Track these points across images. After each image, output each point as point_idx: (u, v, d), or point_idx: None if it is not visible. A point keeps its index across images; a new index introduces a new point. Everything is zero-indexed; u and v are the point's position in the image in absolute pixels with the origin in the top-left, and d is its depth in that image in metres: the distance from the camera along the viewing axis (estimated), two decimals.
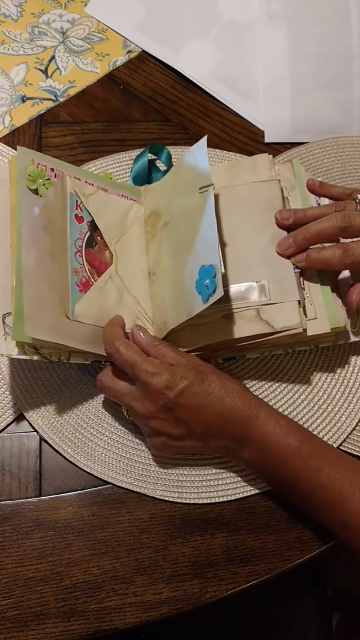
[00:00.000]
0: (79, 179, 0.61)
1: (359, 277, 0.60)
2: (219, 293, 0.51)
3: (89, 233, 0.60)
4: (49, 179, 0.60)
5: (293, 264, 0.58)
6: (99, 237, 0.60)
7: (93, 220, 0.60)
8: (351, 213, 0.56)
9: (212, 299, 0.51)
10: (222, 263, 0.51)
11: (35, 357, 0.55)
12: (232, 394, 0.53)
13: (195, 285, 0.54)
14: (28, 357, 0.55)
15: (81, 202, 0.60)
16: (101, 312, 0.57)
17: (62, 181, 0.60)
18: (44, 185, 0.59)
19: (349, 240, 0.57)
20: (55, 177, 0.61)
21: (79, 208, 0.60)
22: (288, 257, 0.58)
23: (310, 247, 0.58)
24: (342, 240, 0.58)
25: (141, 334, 0.56)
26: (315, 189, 0.62)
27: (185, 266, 0.56)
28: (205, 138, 0.58)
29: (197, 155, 0.58)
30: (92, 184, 0.62)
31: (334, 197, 0.60)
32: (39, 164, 0.60)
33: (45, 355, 0.55)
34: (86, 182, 0.62)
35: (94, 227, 0.60)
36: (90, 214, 0.60)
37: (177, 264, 0.58)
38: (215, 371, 0.54)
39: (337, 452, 0.53)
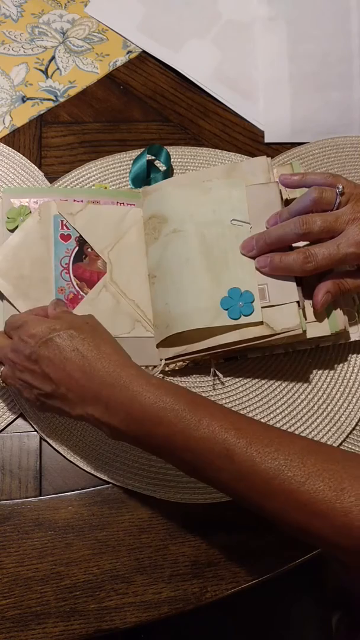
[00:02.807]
0: (66, 200, 0.63)
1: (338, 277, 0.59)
2: (258, 318, 0.56)
3: (77, 248, 0.61)
4: (30, 212, 0.63)
5: (256, 268, 0.58)
6: (89, 250, 0.62)
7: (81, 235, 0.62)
8: (311, 218, 0.55)
9: (247, 320, 0.56)
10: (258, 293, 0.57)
11: None
12: (100, 355, 0.50)
13: (221, 301, 0.57)
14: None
15: (67, 221, 0.62)
16: None
17: (41, 209, 0.62)
18: (23, 221, 0.62)
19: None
20: (38, 207, 0.63)
21: (64, 227, 0.62)
22: (253, 258, 0.59)
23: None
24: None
25: (53, 307, 0.56)
26: (288, 182, 0.61)
27: (203, 278, 0.58)
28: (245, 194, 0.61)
29: (234, 192, 0.61)
30: (81, 200, 0.64)
31: (309, 186, 0.59)
32: (20, 201, 0.63)
33: None
34: (74, 200, 0.63)
35: (83, 241, 0.62)
36: (77, 230, 0.62)
37: (190, 272, 0.59)
38: (95, 333, 0.52)
39: (216, 404, 0.49)
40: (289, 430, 0.60)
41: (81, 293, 0.60)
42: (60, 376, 0.50)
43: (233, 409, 0.60)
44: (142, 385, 0.48)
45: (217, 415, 0.47)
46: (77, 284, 0.60)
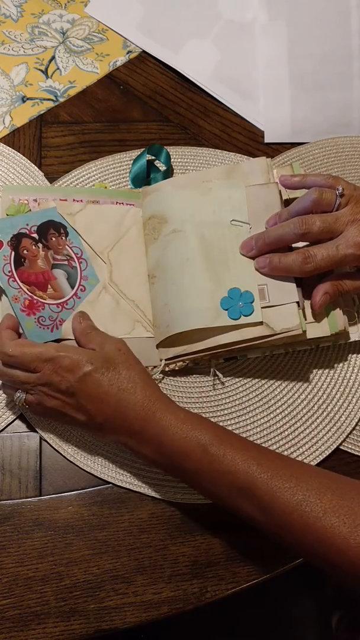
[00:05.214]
0: (65, 200, 0.63)
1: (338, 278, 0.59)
2: (257, 318, 0.56)
3: (13, 253, 0.59)
4: (29, 210, 0.62)
5: (256, 269, 0.58)
6: (25, 251, 0.60)
7: (13, 237, 0.60)
8: (310, 218, 0.56)
9: (247, 320, 0.56)
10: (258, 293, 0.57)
11: None
12: (135, 388, 0.52)
13: (221, 302, 0.57)
14: None
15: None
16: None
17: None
18: None
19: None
20: (38, 206, 0.62)
21: None
22: (252, 258, 0.59)
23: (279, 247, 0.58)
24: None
25: (80, 320, 0.57)
26: (289, 183, 0.62)
27: (203, 278, 0.58)
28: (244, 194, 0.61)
29: (234, 192, 0.61)
30: (81, 200, 0.63)
31: (310, 187, 0.59)
32: (20, 199, 0.62)
33: None
34: (74, 200, 0.63)
35: (15, 243, 0.60)
36: (76, 230, 0.61)
37: (190, 273, 0.59)
38: (127, 362, 0.54)
39: (240, 437, 0.52)
40: (289, 430, 0.60)
41: (35, 297, 0.58)
42: (97, 409, 0.52)
43: (233, 409, 0.60)
44: (171, 420, 0.51)
45: (239, 449, 0.50)
46: (27, 289, 0.58)
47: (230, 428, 0.59)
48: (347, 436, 0.60)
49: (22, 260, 0.59)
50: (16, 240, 0.60)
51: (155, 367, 0.59)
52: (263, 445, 0.58)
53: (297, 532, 0.46)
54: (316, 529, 0.45)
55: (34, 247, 0.60)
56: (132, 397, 0.52)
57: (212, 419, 0.57)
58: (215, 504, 0.54)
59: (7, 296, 0.58)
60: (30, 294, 0.58)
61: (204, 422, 0.52)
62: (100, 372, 0.52)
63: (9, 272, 0.58)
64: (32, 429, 0.59)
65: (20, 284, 0.58)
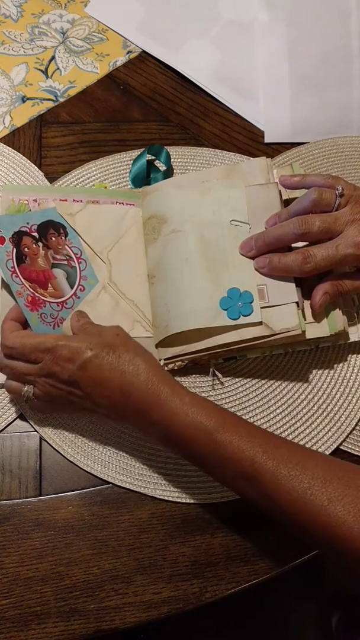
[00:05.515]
0: (65, 200, 0.63)
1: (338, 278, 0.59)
2: (257, 318, 0.56)
3: (15, 249, 0.59)
4: (29, 210, 0.62)
5: (255, 269, 0.58)
6: (26, 249, 0.60)
7: (14, 234, 0.60)
8: (310, 218, 0.56)
9: (246, 320, 0.56)
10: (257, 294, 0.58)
11: None
12: (137, 370, 0.51)
13: (220, 301, 0.57)
14: None
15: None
16: None
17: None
18: None
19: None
20: (38, 206, 0.62)
21: None
22: (252, 258, 0.59)
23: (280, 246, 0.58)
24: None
25: (78, 318, 0.57)
26: (288, 183, 0.62)
27: (202, 278, 0.58)
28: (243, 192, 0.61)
29: (234, 192, 0.61)
30: (81, 200, 0.63)
31: (309, 187, 0.59)
32: (20, 199, 0.62)
33: None
34: (73, 200, 0.63)
35: (17, 240, 0.60)
36: (76, 231, 0.62)
37: (189, 273, 0.59)
38: (127, 345, 0.53)
39: (246, 423, 0.52)
40: (289, 430, 0.60)
41: (36, 295, 0.58)
42: (101, 395, 0.52)
43: (233, 409, 0.60)
44: (177, 405, 0.50)
45: (245, 436, 0.49)
46: (29, 285, 0.58)
47: None
48: (347, 436, 0.60)
49: (24, 257, 0.59)
50: (17, 238, 0.60)
51: None
52: None
53: (302, 520, 0.46)
54: (321, 517, 0.45)
55: (34, 245, 0.60)
56: (135, 379, 0.51)
57: None
58: (224, 485, 0.54)
59: (11, 290, 0.58)
60: (32, 290, 0.58)
61: (210, 407, 0.51)
62: (100, 357, 0.52)
63: (12, 267, 0.58)
64: (32, 429, 0.59)
65: (23, 280, 0.58)
